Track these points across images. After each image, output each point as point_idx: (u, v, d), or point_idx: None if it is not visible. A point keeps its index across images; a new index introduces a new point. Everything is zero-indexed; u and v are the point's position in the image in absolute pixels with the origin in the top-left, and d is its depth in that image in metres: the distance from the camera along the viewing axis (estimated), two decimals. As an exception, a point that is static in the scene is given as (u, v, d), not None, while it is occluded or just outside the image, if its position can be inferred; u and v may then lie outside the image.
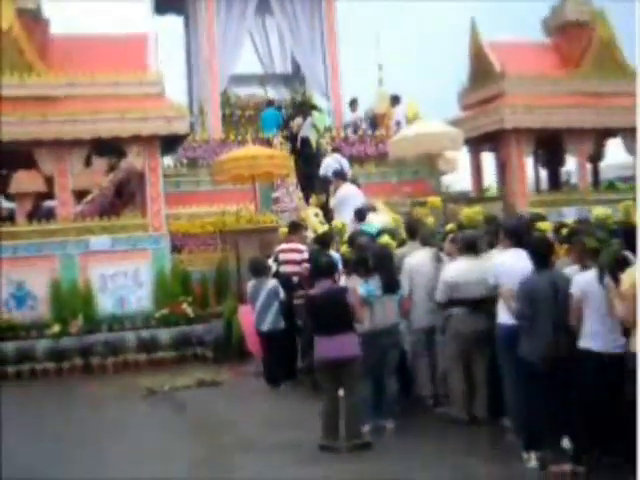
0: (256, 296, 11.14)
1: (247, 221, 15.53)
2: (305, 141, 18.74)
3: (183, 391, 11.41)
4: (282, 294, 11.05)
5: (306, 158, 18.48)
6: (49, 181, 15.46)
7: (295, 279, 11.43)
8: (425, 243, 9.52)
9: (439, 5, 43.83)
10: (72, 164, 14.50)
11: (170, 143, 15.46)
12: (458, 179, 24.58)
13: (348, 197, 14.69)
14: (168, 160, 18.39)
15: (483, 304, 8.37)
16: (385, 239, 9.59)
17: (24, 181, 22.13)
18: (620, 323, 6.51)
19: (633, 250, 6.84)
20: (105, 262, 14.41)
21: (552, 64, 18.94)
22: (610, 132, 18.32)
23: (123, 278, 14.46)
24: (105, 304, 14.33)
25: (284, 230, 12.81)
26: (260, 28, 24.55)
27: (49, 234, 14.28)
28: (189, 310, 14.19)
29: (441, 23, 46.40)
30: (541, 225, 8.83)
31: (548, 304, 6.88)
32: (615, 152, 20.08)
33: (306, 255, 11.51)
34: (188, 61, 23.43)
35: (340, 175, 15.77)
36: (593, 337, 6.67)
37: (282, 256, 11.84)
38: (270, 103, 20.75)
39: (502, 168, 19.44)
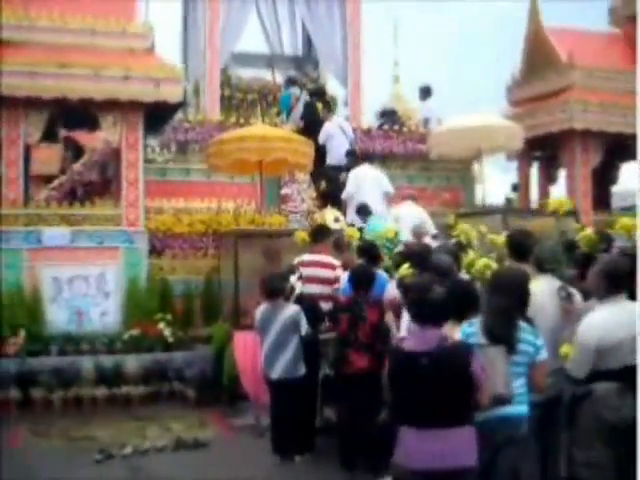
0: (267, 327, 7.71)
1: (249, 222, 12.22)
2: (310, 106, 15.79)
3: (152, 455, 7.98)
4: (305, 326, 7.65)
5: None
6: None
7: (325, 305, 8.13)
8: (543, 269, 6.15)
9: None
10: (27, 130, 11.07)
11: (157, 116, 12.03)
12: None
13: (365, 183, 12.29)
14: (153, 142, 14.89)
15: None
16: (483, 261, 6.26)
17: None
18: None
19: None
20: (61, 262, 10.96)
21: (623, 58, 15.69)
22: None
23: (84, 285, 11.01)
24: (57, 318, 10.85)
25: (302, 235, 9.52)
26: (269, 2, 21.28)
27: (-12, 222, 10.80)
28: (167, 332, 10.80)
29: (467, 18, 43.35)
30: None
31: None
32: None
33: (340, 272, 8.51)
34: (184, 34, 20.13)
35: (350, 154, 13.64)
36: None
37: (305, 271, 8.57)
38: (291, 82, 17.25)
39: (547, 179, 16.40)
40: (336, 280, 8.57)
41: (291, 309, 7.67)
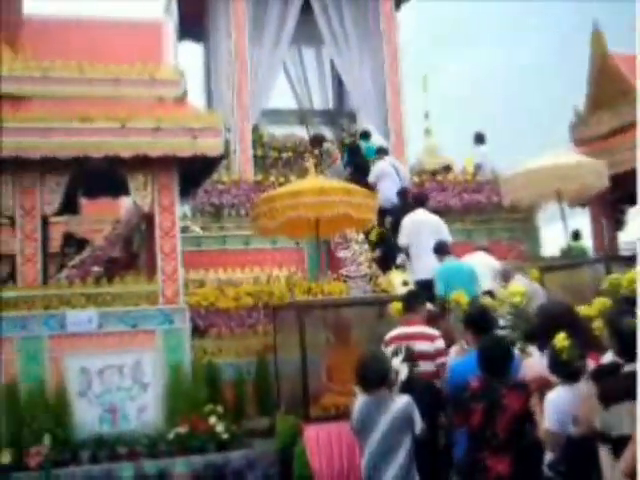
0: (370, 426, 5.86)
1: (304, 291, 10.50)
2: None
3: None
4: (419, 423, 5.84)
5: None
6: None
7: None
8: None
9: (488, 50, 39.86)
10: (43, 198, 9.43)
11: (191, 176, 10.39)
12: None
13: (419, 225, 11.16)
14: (184, 208, 13.31)
15: None
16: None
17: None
18: None
19: None
20: (89, 350, 9.21)
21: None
22: None
23: (117, 376, 9.23)
24: (87, 417, 9.04)
25: (397, 306, 7.86)
26: (296, 58, 20.04)
27: (2, 306, 9.05)
28: (220, 427, 9.00)
29: (492, 67, 42.51)
30: None
31: None
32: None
33: (440, 344, 7.07)
34: (207, 95, 18.91)
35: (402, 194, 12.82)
36: None
37: (394, 348, 6.86)
38: (366, 135, 15.93)
39: (615, 224, 15.00)
40: (438, 354, 7.13)
41: (401, 402, 5.84)
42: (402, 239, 11.25)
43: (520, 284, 8.20)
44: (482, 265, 10.27)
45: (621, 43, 14.41)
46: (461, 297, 7.67)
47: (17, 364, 8.98)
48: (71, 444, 8.74)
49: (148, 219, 10.33)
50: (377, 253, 12.79)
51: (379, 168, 13.82)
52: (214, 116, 9.82)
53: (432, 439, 6.19)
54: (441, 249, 10.10)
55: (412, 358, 6.59)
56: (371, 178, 13.56)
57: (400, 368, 6.39)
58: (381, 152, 14.48)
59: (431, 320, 7.72)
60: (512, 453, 5.33)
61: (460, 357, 6.61)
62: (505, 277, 9.56)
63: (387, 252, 12.73)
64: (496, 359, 5.55)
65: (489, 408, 5.39)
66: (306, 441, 8.12)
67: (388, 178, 13.56)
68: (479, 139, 16.17)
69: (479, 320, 6.49)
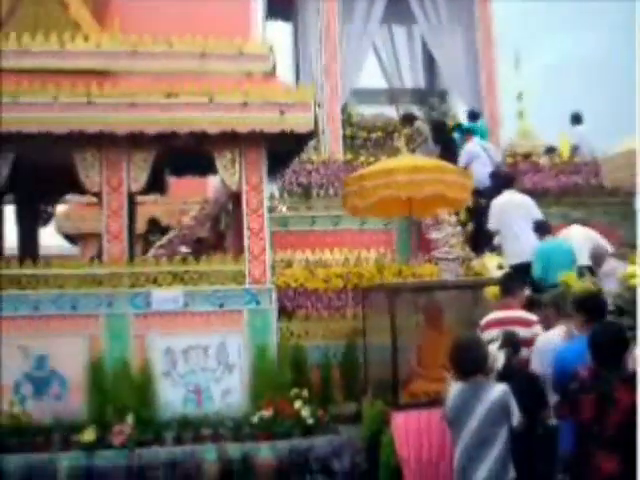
0: (465, 415, 5.52)
1: (394, 273, 10.17)
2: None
3: None
4: (516, 414, 5.46)
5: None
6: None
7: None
8: None
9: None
10: (130, 174, 9.28)
11: (278, 155, 10.12)
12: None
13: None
14: (271, 187, 13.12)
15: None
16: None
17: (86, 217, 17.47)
18: None
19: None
20: (174, 329, 9.05)
21: None
22: None
23: (202, 356, 9.04)
24: (171, 397, 8.89)
25: (493, 291, 7.50)
26: (386, 37, 19.63)
27: (88, 283, 8.99)
28: (305, 412, 8.73)
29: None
30: None
31: None
32: None
33: (538, 330, 6.68)
34: (296, 75, 18.75)
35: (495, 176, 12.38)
36: None
37: (493, 334, 6.50)
38: (474, 115, 15.59)
39: None
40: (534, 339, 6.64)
41: (497, 390, 5.48)
42: (491, 223, 10.92)
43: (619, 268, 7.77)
44: (580, 238, 9.94)
45: None
46: (570, 279, 7.22)
47: (102, 342, 8.88)
48: (155, 424, 8.59)
49: (236, 198, 10.13)
50: (470, 226, 12.55)
51: (467, 151, 13.51)
52: (303, 91, 9.48)
53: (531, 431, 5.79)
54: (541, 228, 9.77)
55: (513, 344, 6.22)
56: (461, 162, 13.16)
57: (497, 355, 6.03)
58: (468, 133, 14.04)
59: (529, 305, 7.33)
60: (623, 450, 4.90)
61: (566, 343, 6.16)
62: (597, 261, 9.17)
63: (479, 234, 12.36)
64: (609, 348, 5.09)
65: (600, 401, 4.96)
66: (394, 428, 7.81)
67: (478, 160, 13.19)
68: (576, 119, 15.68)
69: (591, 305, 6.03)
